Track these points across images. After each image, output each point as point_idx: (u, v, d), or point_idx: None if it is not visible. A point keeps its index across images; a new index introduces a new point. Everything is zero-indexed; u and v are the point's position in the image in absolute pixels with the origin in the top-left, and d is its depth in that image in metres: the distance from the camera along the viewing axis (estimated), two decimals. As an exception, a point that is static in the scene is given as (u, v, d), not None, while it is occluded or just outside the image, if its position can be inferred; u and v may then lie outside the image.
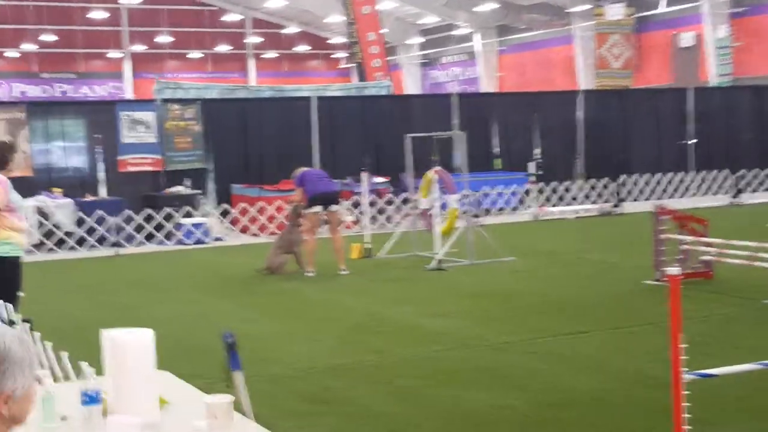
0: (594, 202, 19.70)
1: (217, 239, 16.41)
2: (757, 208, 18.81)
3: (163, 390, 2.99)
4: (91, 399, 2.69)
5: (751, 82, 28.92)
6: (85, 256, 14.84)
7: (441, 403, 5.73)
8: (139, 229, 16.03)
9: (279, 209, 16.52)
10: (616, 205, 19.13)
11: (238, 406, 2.95)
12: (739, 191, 20.42)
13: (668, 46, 32.30)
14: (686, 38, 30.86)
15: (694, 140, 22.09)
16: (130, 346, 2.79)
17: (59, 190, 16.07)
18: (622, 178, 20.37)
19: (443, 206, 13.64)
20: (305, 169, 12.36)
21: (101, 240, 15.48)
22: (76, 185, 16.79)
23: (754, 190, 21.78)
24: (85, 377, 2.73)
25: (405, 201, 17.28)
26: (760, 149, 22.92)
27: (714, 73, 32.00)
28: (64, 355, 4.14)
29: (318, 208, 11.57)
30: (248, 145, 18.32)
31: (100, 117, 17.32)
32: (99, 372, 3.00)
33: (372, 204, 16.72)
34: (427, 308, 9.03)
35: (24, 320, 5.05)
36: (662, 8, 34.25)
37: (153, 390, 2.81)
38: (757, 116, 23.06)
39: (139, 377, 2.77)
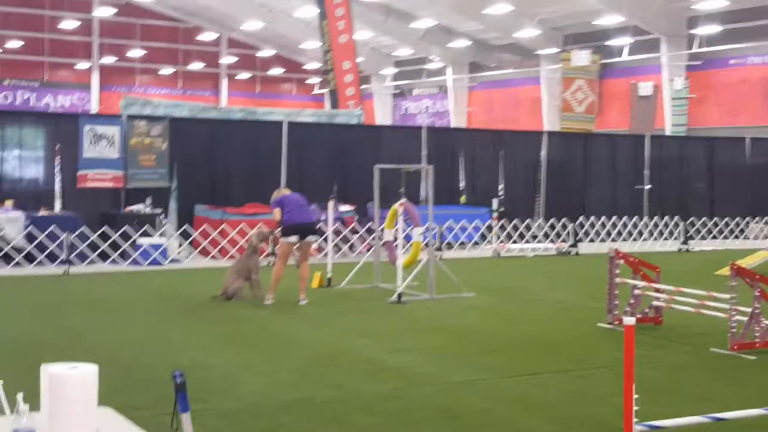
0: (552, 242, 19.86)
1: (174, 261, 16.15)
2: (705, 255, 19.15)
3: (103, 429, 2.91)
4: (23, 439, 2.59)
5: (704, 132, 29.61)
6: (33, 274, 14.35)
7: (391, 443, 5.68)
8: (93, 247, 15.65)
9: (241, 233, 16.38)
10: (573, 246, 19.32)
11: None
12: (689, 238, 20.79)
13: (628, 94, 32.95)
14: (645, 87, 31.56)
15: (649, 186, 22.52)
16: (70, 384, 2.71)
17: (10, 201, 15.60)
18: (580, 219, 20.60)
19: (407, 238, 13.66)
20: (286, 192, 12.06)
21: (52, 257, 15.01)
22: (30, 198, 16.34)
23: (703, 238, 22.16)
24: (19, 413, 2.63)
25: (369, 231, 17.27)
26: (710, 198, 23.45)
27: (670, 122, 32.71)
28: (-2, 383, 4.01)
29: (294, 238, 11.39)
30: (215, 167, 18.20)
31: (62, 128, 17.03)
32: (36, 406, 2.92)
33: (336, 232, 16.68)
34: (385, 343, 8.99)
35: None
36: (624, 56, 34.94)
37: (91, 430, 2.73)
38: (709, 166, 23.64)
39: (78, 417, 2.68)
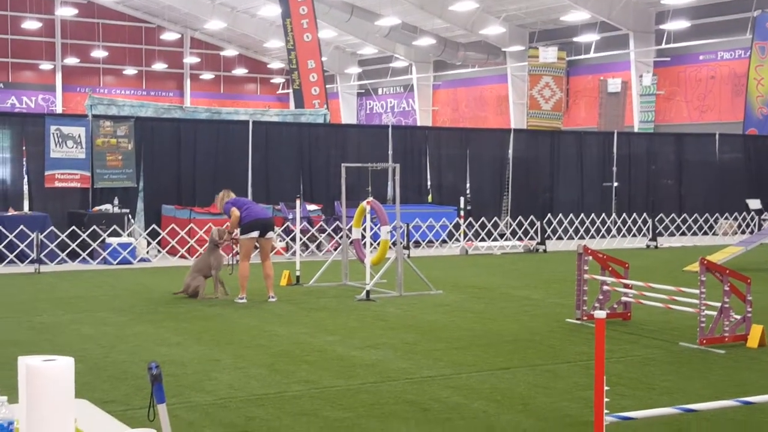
0: (520, 239, 20.02)
1: (144, 260, 16.19)
2: (673, 252, 19.41)
3: (80, 420, 2.92)
4: (1, 429, 2.59)
5: (672, 129, 29.96)
6: (3, 272, 14.41)
7: (363, 436, 5.72)
8: (62, 246, 15.68)
9: (208, 232, 16.32)
10: (540, 243, 19.47)
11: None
12: (658, 234, 21.03)
13: (596, 91, 33.25)
14: (614, 84, 31.87)
15: (617, 183, 22.73)
16: (47, 375, 2.71)
17: (-21, 202, 15.69)
18: (548, 216, 20.76)
19: (375, 237, 13.70)
20: (232, 195, 12.07)
21: (21, 256, 15.06)
22: (-2, 198, 16.43)
23: (672, 234, 22.46)
24: (-2, 405, 2.64)
25: (337, 229, 17.30)
26: (678, 194, 23.71)
27: (638, 118, 33.05)
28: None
29: (255, 234, 11.47)
30: (181, 166, 18.13)
31: (29, 129, 16.94)
32: (13, 399, 2.92)
33: (304, 231, 16.69)
34: (354, 339, 9.03)
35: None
36: (592, 53, 35.29)
37: (69, 422, 2.73)
38: (677, 163, 23.87)
39: (55, 408, 2.69)
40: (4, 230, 15.05)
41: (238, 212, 11.56)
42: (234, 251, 12.35)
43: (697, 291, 8.77)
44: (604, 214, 21.95)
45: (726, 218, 23.44)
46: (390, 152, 20.20)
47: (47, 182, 16.66)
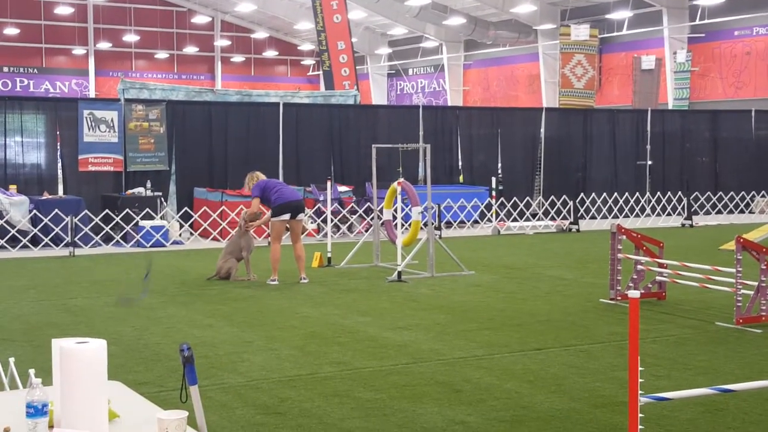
0: (552, 219, 19.88)
1: (177, 243, 16.31)
2: (709, 230, 19.17)
3: (114, 402, 2.94)
4: (36, 411, 2.61)
5: (707, 106, 29.51)
6: (39, 256, 14.61)
7: (396, 417, 5.72)
8: (96, 229, 15.85)
9: (240, 215, 16.41)
10: (573, 223, 19.32)
11: (192, 422, 2.90)
12: (693, 213, 20.76)
13: (630, 68, 32.83)
14: (648, 61, 31.43)
15: (651, 161, 22.47)
16: (81, 358, 2.72)
17: (14, 186, 15.88)
18: (581, 196, 20.59)
19: (406, 218, 13.68)
20: (262, 176, 12.05)
21: (56, 240, 15.25)
22: (33, 182, 16.64)
23: (707, 213, 22.17)
24: (32, 387, 2.65)
25: (368, 211, 17.29)
26: (714, 172, 23.39)
27: (672, 96, 32.60)
28: (11, 360, 4.04)
29: (286, 216, 11.46)
30: (212, 149, 18.21)
31: (62, 114, 17.10)
32: (47, 382, 2.94)
33: (335, 213, 16.71)
34: (385, 320, 9.03)
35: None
36: (625, 30, 34.83)
37: (102, 403, 2.75)
38: (712, 140, 23.53)
39: (89, 390, 2.70)
40: (39, 214, 15.24)
41: (257, 203, 11.53)
42: (266, 233, 12.39)
43: (734, 270, 8.65)
44: (638, 193, 21.72)
45: (762, 196, 23.09)
46: (421, 133, 20.12)
47: (81, 166, 16.83)
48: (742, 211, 22.77)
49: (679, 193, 21.63)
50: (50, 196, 15.97)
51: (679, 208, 21.45)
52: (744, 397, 6.01)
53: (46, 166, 17.00)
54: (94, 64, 46.32)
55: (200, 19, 48.02)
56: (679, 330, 8.55)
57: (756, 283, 8.62)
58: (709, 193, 22.47)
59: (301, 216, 11.66)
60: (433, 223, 12.95)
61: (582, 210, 20.48)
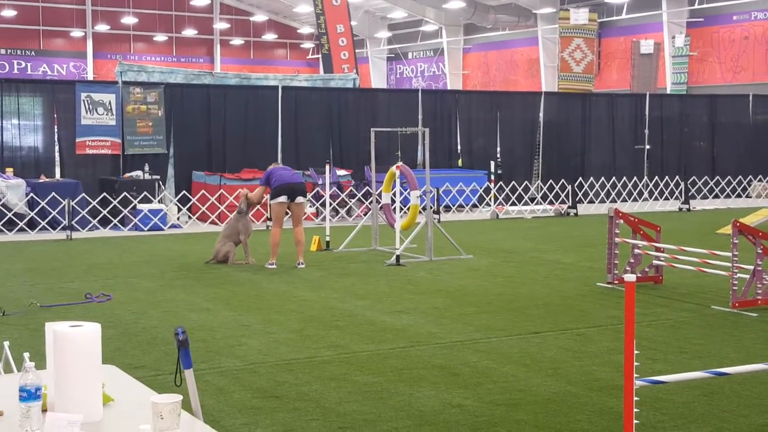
0: (551, 203, 19.88)
1: (175, 226, 16.29)
2: (706, 215, 19.19)
3: (108, 385, 2.94)
4: (29, 395, 2.60)
5: (705, 90, 29.47)
6: (36, 239, 14.58)
7: (393, 400, 5.73)
8: (93, 213, 15.82)
9: (239, 198, 16.41)
10: (571, 207, 19.32)
11: (187, 405, 2.90)
12: (690, 197, 20.77)
13: (628, 53, 32.76)
14: (646, 45, 31.36)
15: (648, 146, 22.47)
16: (74, 341, 2.72)
17: (10, 169, 15.82)
18: (579, 180, 20.58)
19: (405, 201, 13.67)
20: (275, 166, 12.11)
21: (53, 223, 15.23)
22: (30, 165, 16.58)
23: (704, 197, 22.18)
24: (26, 370, 2.65)
25: (367, 194, 17.28)
26: (711, 156, 23.39)
27: (670, 80, 32.56)
28: (5, 344, 4.04)
29: (283, 199, 11.47)
30: (211, 132, 18.16)
31: (60, 96, 17.03)
32: (41, 365, 2.94)
33: (333, 197, 16.70)
34: (383, 304, 9.04)
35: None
36: (624, 14, 34.73)
37: (96, 387, 2.74)
38: (709, 125, 23.52)
39: (83, 373, 2.70)
40: (36, 197, 15.20)
41: (260, 190, 11.87)
42: (264, 217, 12.40)
43: (730, 254, 8.66)
44: (635, 177, 21.72)
45: (759, 180, 23.10)
46: (420, 116, 20.08)
47: (78, 149, 16.78)
48: (739, 196, 22.78)
49: (677, 177, 21.63)
50: (47, 180, 15.90)
51: (677, 193, 21.45)
52: (739, 381, 6.03)
53: (43, 149, 16.92)
54: (92, 46, 46.14)
55: (199, 2, 47.78)
56: (675, 314, 8.57)
57: (752, 267, 8.63)
58: (706, 177, 22.47)
59: (301, 199, 11.63)
60: (431, 207, 12.95)
61: (580, 194, 20.48)
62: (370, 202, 13.98)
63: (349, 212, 17.95)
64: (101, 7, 45.80)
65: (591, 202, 21.04)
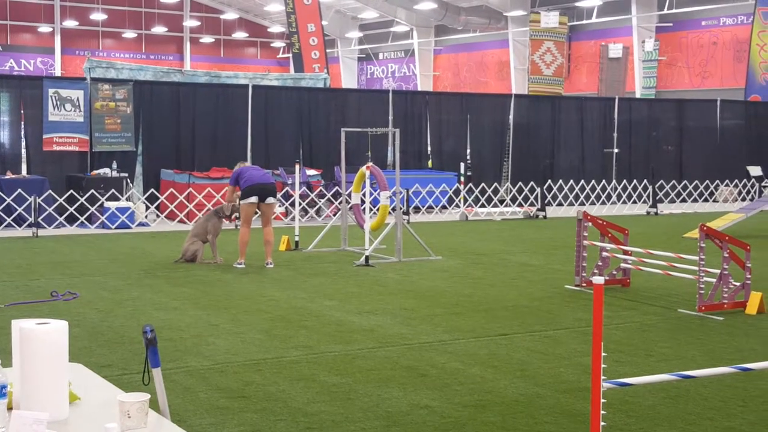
0: (520, 205, 19.99)
1: (142, 224, 16.17)
2: (673, 218, 19.40)
3: (75, 384, 2.90)
4: (-5, 392, 2.57)
5: (673, 95, 29.83)
6: (1, 236, 14.39)
7: (361, 401, 5.72)
8: (60, 210, 15.66)
9: (208, 197, 16.34)
10: (540, 209, 19.44)
11: (154, 404, 2.87)
12: (658, 201, 20.99)
13: (598, 56, 33.06)
14: (615, 49, 31.68)
15: (617, 149, 22.68)
16: (41, 339, 2.68)
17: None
18: (548, 183, 20.71)
19: (374, 202, 13.67)
20: (243, 165, 12.01)
21: (19, 220, 15.04)
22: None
23: (672, 201, 22.42)
24: (-8, 368, 2.61)
25: (336, 195, 17.26)
26: (679, 161, 23.65)
27: (640, 84, 32.91)
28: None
29: (253, 199, 11.41)
30: (180, 130, 18.04)
31: (27, 92, 16.83)
32: (7, 363, 2.90)
33: (303, 196, 16.66)
34: (352, 304, 9.03)
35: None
36: (594, 18, 35.04)
37: (63, 385, 2.71)
38: (677, 129, 23.77)
39: (49, 371, 2.67)
40: (1, 194, 15.03)
41: (230, 190, 11.74)
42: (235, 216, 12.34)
43: (697, 258, 8.75)
44: (604, 181, 21.91)
45: (726, 185, 23.39)
46: (390, 117, 20.10)
47: (45, 146, 16.59)
48: (706, 200, 23.05)
49: (645, 181, 21.84)
50: (13, 176, 15.70)
51: (645, 196, 21.67)
52: (705, 383, 6.10)
53: (9, 145, 16.73)
54: (60, 42, 45.63)
55: (169, -1, 47.51)
56: (643, 317, 8.64)
57: (718, 271, 8.73)
58: (674, 181, 22.72)
59: (271, 200, 11.59)
60: (401, 208, 12.97)
61: (549, 197, 20.61)
62: (340, 202, 13.97)
63: (318, 212, 17.91)
64: (70, 2, 45.32)
65: (560, 204, 21.18)
